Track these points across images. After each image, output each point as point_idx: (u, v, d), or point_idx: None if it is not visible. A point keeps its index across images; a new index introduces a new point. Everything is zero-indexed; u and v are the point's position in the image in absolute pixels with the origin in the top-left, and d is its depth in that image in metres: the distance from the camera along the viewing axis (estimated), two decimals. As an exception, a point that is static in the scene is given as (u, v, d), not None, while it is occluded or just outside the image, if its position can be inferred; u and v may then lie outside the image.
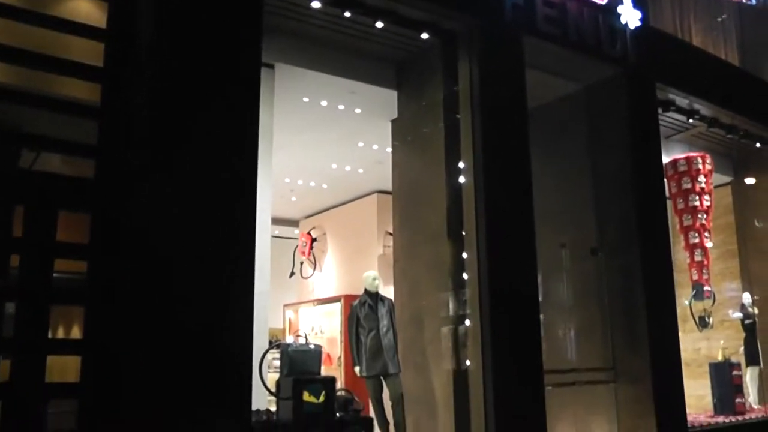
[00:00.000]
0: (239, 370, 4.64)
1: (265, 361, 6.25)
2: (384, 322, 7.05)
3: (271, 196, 7.90)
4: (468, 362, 6.63)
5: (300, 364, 6.20)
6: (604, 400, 8.18)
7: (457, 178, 7.03)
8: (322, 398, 6.05)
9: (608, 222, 8.49)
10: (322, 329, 12.48)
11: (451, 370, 6.87)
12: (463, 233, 6.83)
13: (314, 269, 13.42)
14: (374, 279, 7.16)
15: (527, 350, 6.63)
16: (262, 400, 6.27)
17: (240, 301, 4.70)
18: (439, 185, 7.24)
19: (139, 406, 4.19)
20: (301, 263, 13.63)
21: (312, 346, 6.38)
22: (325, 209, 13.50)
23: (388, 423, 6.95)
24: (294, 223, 14.45)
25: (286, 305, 13.55)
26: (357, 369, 7.06)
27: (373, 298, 7.18)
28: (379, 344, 6.92)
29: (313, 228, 13.56)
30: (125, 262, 4.25)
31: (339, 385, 10.94)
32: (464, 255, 6.79)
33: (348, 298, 10.13)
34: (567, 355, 8.44)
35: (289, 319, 13.41)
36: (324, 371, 12.13)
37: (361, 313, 7.12)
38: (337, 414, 6.31)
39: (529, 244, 6.83)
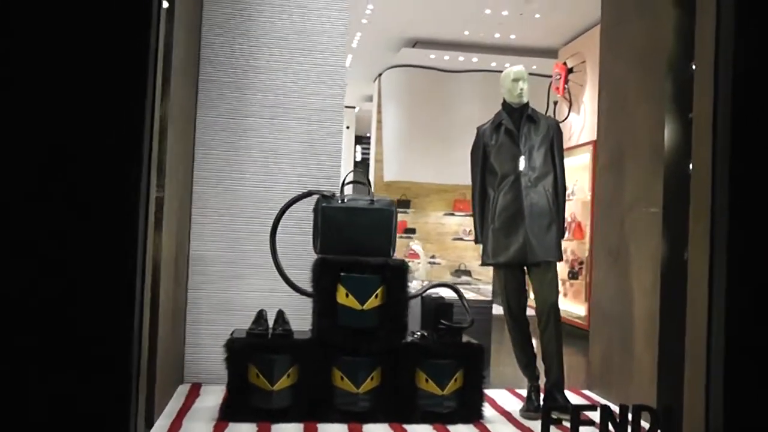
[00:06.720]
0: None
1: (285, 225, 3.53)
2: (534, 162, 3.59)
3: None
4: (687, 252, 3.21)
5: (343, 234, 3.32)
6: None
7: None
8: (373, 301, 3.17)
9: None
10: (573, 189, 9.17)
11: (660, 263, 3.50)
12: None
13: (569, 109, 10.06)
14: (516, 80, 3.67)
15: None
16: (282, 295, 3.56)
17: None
18: None
19: None
20: (555, 103, 10.39)
21: (371, 202, 3.39)
22: (585, 30, 9.98)
23: (533, 356, 3.65)
24: (553, 53, 11.18)
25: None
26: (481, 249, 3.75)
27: (514, 115, 3.68)
28: (518, 203, 3.49)
29: (571, 56, 10.15)
30: None
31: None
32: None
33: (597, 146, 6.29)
34: None
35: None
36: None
37: (492, 143, 3.68)
38: (414, 334, 3.37)
39: None
